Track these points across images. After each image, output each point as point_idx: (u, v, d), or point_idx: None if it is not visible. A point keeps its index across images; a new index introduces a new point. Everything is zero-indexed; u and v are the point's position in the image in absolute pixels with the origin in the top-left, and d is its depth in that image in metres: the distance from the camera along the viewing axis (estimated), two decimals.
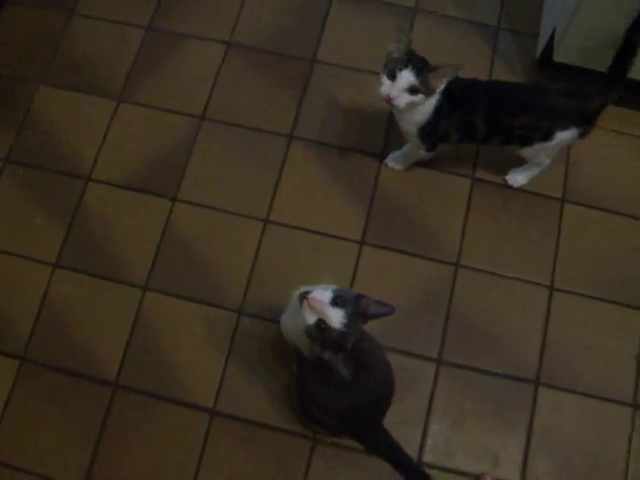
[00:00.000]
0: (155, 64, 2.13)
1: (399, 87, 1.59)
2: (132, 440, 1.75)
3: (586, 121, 1.72)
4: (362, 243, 1.91)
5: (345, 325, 1.36)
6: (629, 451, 1.74)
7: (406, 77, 1.58)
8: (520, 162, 1.91)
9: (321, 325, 1.36)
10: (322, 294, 1.37)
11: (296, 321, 1.46)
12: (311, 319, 1.36)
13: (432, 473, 1.67)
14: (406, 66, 1.58)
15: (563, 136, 1.72)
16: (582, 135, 1.73)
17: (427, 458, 1.74)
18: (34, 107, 2.08)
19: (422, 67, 1.59)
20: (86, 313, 1.86)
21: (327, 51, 2.14)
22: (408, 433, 1.75)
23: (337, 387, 1.53)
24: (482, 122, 1.71)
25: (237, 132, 2.04)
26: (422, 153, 1.85)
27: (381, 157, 2.00)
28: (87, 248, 1.92)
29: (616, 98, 1.69)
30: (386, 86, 1.61)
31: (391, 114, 1.95)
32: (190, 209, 1.96)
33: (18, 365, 1.81)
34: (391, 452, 1.67)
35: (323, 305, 1.35)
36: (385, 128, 2.03)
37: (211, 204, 1.96)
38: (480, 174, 1.99)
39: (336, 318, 1.36)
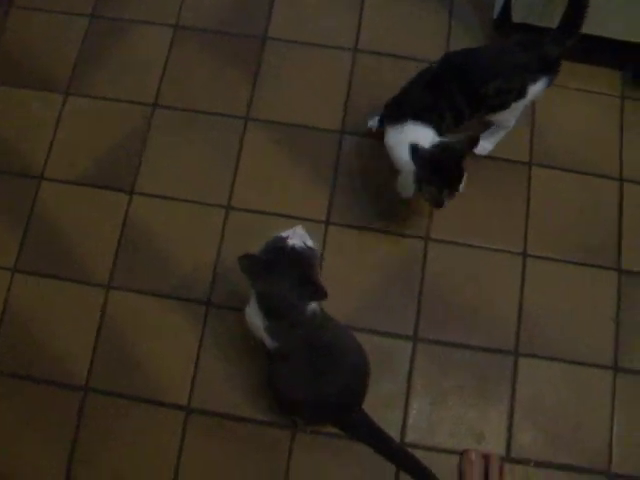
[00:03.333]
0: (102, 53, 1.99)
1: None
2: (108, 444, 1.65)
3: (551, 68, 1.63)
4: (328, 223, 1.80)
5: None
6: (612, 414, 1.67)
7: None
8: (484, 128, 1.80)
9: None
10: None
11: (256, 313, 1.42)
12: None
13: (416, 453, 1.60)
14: None
15: (535, 88, 1.63)
16: (549, 83, 1.65)
17: (410, 438, 1.65)
18: None
19: None
20: (50, 317, 1.74)
21: (278, 27, 2.01)
22: (389, 414, 1.66)
23: (305, 378, 1.45)
24: (463, 102, 1.60)
25: (191, 117, 1.91)
26: None
27: (340, 132, 1.88)
28: (46, 250, 1.80)
29: (573, 43, 1.61)
30: None
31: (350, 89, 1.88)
32: (149, 201, 1.83)
33: None
34: (372, 436, 1.60)
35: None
36: (343, 102, 1.91)
37: (170, 194, 1.84)
38: None
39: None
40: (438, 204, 1.58)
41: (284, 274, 1.36)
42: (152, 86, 1.95)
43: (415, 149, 1.52)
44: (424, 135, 1.54)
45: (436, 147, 1.53)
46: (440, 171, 1.53)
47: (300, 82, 1.94)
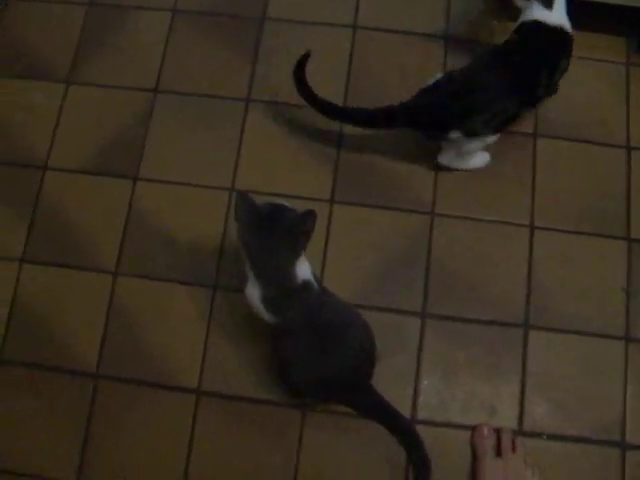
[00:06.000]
0: (101, 41, 1.96)
1: None
2: (120, 430, 1.64)
3: None
4: (332, 202, 1.78)
5: None
6: (625, 385, 1.63)
7: None
8: None
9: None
10: None
11: (253, 282, 1.42)
12: None
13: (428, 429, 1.59)
14: None
15: None
16: None
17: (421, 415, 1.62)
18: None
19: None
20: (59, 306, 1.73)
21: (276, 7, 1.97)
22: (399, 391, 1.63)
23: (309, 356, 1.44)
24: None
25: (193, 101, 1.89)
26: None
27: None
28: (53, 239, 1.79)
29: None
30: None
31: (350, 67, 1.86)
32: (153, 187, 1.81)
33: None
34: (383, 414, 1.57)
35: None
36: (344, 80, 1.88)
37: (174, 179, 1.82)
38: None
39: None
40: None
41: (274, 225, 1.37)
42: (152, 72, 1.92)
43: None
44: None
45: None
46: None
47: None
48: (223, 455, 1.62)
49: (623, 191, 1.78)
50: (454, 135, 1.60)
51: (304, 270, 1.42)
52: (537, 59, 1.61)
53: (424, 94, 1.62)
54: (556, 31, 1.61)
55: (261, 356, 1.66)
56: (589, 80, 1.87)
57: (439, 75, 1.63)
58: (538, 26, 1.60)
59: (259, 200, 1.44)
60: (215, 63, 1.93)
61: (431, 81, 1.63)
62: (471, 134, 1.61)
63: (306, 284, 1.41)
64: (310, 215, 1.36)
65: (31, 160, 1.86)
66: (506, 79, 1.57)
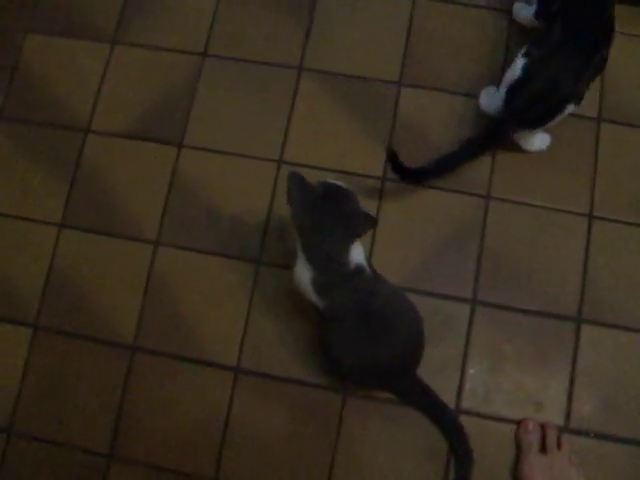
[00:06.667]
0: (149, 0, 1.90)
1: None
2: (155, 404, 1.62)
3: None
4: (384, 179, 1.71)
5: None
6: None
7: None
8: None
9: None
10: None
11: (303, 263, 1.37)
12: None
13: (471, 420, 1.54)
14: None
15: None
16: None
17: (465, 405, 1.57)
18: (23, 58, 1.86)
19: None
20: (97, 274, 1.69)
21: None
22: (444, 379, 1.58)
23: (357, 342, 1.40)
24: None
25: (242, 67, 1.81)
26: None
27: (399, 84, 1.76)
28: (92, 205, 1.74)
29: None
30: None
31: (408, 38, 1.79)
32: (198, 155, 1.75)
33: (31, 334, 1.67)
34: (427, 403, 1.53)
35: None
36: (402, 52, 1.79)
37: (220, 148, 1.75)
38: None
39: None
40: None
41: (329, 207, 1.34)
42: (201, 35, 1.85)
43: None
44: None
45: None
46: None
47: (356, 30, 1.82)
48: (259, 435, 1.59)
49: None
50: (568, 109, 1.56)
51: (357, 254, 1.37)
52: None
53: (520, 90, 1.55)
54: None
55: (304, 336, 1.62)
56: None
57: (519, 62, 1.55)
58: None
59: (308, 175, 1.38)
60: (266, 29, 1.85)
61: (514, 75, 1.55)
62: (580, 99, 1.57)
63: (359, 269, 1.37)
64: (369, 220, 1.34)
65: (73, 122, 1.81)
66: (589, 27, 1.53)
